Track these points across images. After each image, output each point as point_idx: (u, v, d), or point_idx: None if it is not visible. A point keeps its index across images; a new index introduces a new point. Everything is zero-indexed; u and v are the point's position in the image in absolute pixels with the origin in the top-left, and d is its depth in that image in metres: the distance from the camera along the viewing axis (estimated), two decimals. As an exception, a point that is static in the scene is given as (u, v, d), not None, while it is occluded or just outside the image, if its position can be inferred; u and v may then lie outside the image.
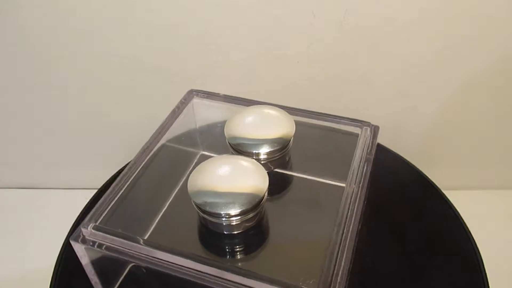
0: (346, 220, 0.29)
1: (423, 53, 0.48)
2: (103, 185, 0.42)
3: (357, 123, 0.37)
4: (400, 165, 0.43)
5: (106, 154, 0.59)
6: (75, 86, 0.52)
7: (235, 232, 0.32)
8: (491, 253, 0.38)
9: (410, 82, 0.51)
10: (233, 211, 0.29)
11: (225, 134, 0.36)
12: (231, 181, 0.31)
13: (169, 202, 0.35)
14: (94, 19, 0.46)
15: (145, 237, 0.32)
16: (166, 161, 0.37)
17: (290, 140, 0.36)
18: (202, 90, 0.40)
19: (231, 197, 0.30)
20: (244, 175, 0.31)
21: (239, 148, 0.35)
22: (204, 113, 0.41)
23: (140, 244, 0.27)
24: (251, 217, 0.31)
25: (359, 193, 0.31)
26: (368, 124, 0.36)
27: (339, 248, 0.27)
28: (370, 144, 0.35)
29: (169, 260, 0.27)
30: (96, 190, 0.42)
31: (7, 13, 0.46)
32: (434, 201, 0.40)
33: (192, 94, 0.40)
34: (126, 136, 0.57)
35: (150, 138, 0.35)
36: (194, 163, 0.39)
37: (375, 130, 0.36)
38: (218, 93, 0.40)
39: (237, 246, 0.32)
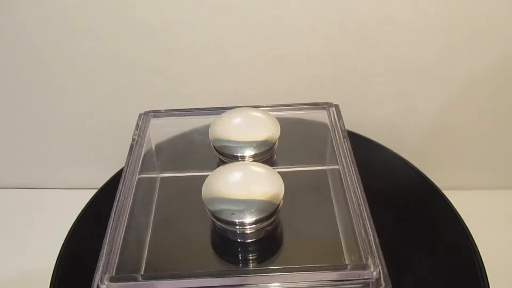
0: (356, 194, 0.30)
1: (423, 53, 0.48)
2: (103, 185, 0.42)
3: (322, 106, 0.40)
4: (400, 165, 0.43)
5: (106, 154, 0.59)
6: (75, 86, 0.52)
7: (254, 239, 0.32)
8: (491, 253, 0.38)
9: (410, 82, 0.51)
10: (252, 218, 0.29)
11: (210, 138, 0.36)
12: (248, 188, 0.31)
13: (157, 230, 0.35)
14: (94, 19, 0.46)
15: (160, 271, 0.32)
16: (143, 192, 0.36)
17: (276, 139, 0.36)
18: (151, 110, 0.41)
19: (249, 204, 0.30)
20: (260, 181, 0.31)
21: (225, 152, 0.35)
22: (158, 133, 0.41)
23: (168, 279, 0.26)
24: (269, 223, 0.31)
25: (353, 168, 0.32)
26: (330, 104, 0.40)
27: (364, 220, 0.29)
28: (340, 121, 0.38)
29: (212, 284, 0.26)
30: (96, 190, 0.42)
31: (7, 13, 0.46)
32: (434, 201, 0.40)
33: (148, 116, 0.40)
34: (126, 136, 0.57)
35: (123, 176, 0.34)
36: (157, 188, 0.39)
37: (337, 108, 0.39)
38: (160, 110, 0.41)
39: (259, 252, 0.32)
